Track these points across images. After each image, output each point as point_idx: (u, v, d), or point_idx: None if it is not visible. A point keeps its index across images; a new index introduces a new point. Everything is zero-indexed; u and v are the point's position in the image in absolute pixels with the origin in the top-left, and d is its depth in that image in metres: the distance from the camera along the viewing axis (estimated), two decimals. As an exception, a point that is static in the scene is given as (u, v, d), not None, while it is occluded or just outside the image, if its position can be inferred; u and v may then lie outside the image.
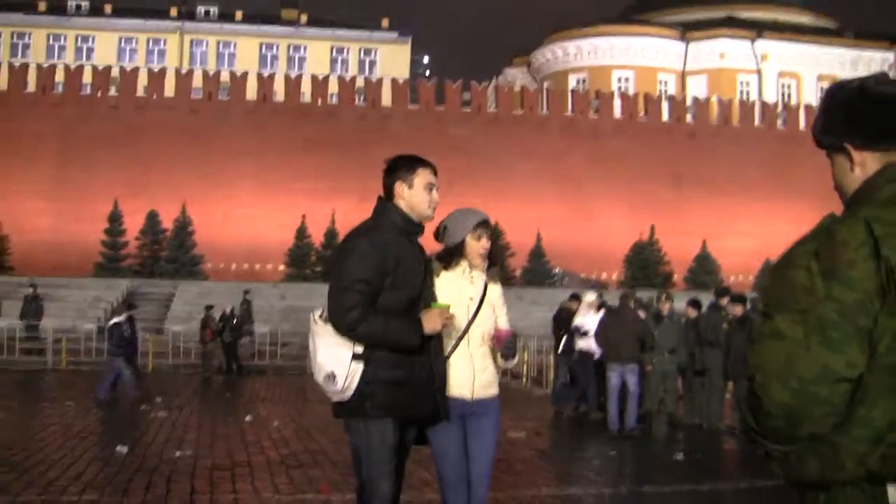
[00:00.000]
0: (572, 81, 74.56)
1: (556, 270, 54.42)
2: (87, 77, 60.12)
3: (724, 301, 16.60)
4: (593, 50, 76.23)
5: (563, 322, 18.72)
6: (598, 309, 17.27)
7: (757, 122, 65.07)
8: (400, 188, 5.13)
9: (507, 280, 50.37)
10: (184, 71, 62.58)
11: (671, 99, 66.92)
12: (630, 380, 15.20)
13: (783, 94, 74.29)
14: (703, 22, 77.08)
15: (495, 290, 5.50)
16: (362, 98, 62.04)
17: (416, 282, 5.08)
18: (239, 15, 72.31)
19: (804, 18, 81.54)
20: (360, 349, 4.87)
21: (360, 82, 63.47)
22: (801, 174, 56.04)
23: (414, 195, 5.12)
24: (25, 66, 60.57)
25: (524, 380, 25.57)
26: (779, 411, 2.25)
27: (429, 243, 5.30)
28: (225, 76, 62.06)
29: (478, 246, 5.34)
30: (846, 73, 74.44)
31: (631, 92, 68.51)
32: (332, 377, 4.87)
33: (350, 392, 4.87)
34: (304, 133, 58.66)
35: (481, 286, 5.41)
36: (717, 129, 64.42)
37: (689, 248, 55.51)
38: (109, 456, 11.84)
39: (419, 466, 9.80)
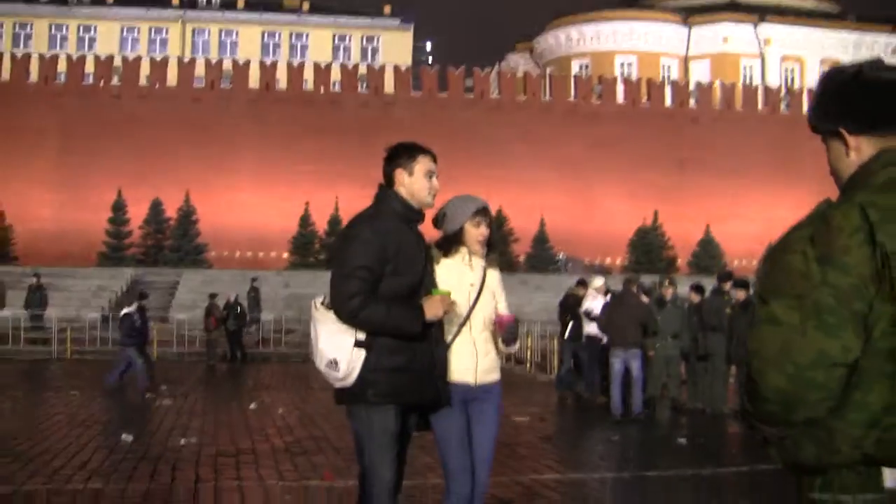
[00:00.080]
0: (575, 67, 74.42)
1: (560, 256, 54.43)
2: (89, 67, 60.07)
3: (728, 285, 16.61)
4: (596, 35, 76.09)
5: (569, 308, 18.71)
6: (607, 293, 17.28)
7: (760, 106, 64.97)
8: (400, 176, 5.15)
9: (510, 266, 50.47)
10: (186, 60, 62.51)
11: (674, 84, 66.80)
12: (633, 365, 15.21)
13: (786, 79, 74.13)
14: (706, 6, 76.90)
15: (494, 275, 5.54)
16: (365, 85, 61.98)
17: (418, 268, 5.10)
18: (241, 3, 72.11)
19: (807, 2, 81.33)
20: (362, 336, 4.89)
21: (362, 69, 63.38)
22: (804, 158, 55.87)
23: (414, 182, 5.15)
24: (27, 57, 60.52)
25: (528, 365, 25.59)
26: (775, 396, 2.27)
27: (427, 230, 5.32)
28: (227, 65, 61.98)
29: (476, 233, 5.37)
30: (849, 56, 74.23)
31: (634, 77, 68.38)
32: (333, 364, 4.89)
33: (352, 379, 4.89)
34: (306, 121, 58.62)
35: (481, 272, 5.44)
36: (720, 114, 64.29)
37: (692, 233, 55.50)
38: (114, 444, 11.88)
39: (422, 452, 9.83)
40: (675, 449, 12.64)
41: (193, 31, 70.62)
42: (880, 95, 2.46)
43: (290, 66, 62.19)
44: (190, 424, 14.05)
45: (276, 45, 70.67)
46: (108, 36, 68.87)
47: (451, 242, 5.40)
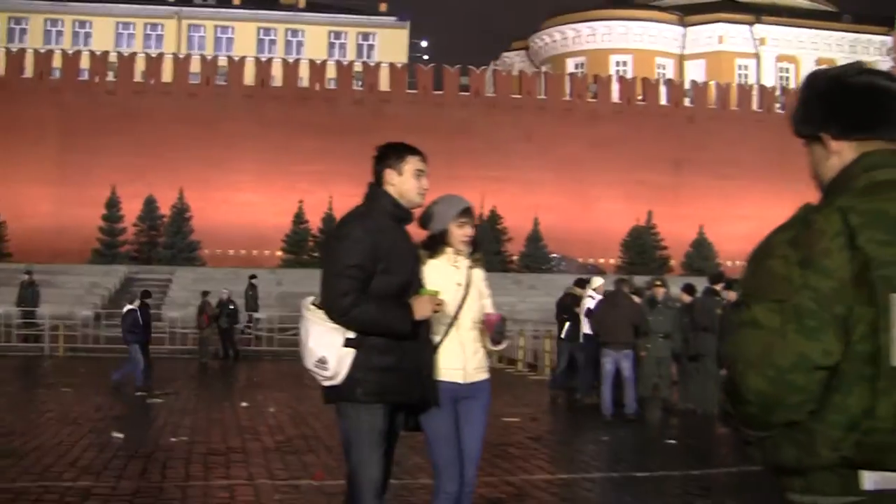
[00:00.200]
0: (570, 65, 74.51)
1: (554, 255, 54.45)
2: (84, 62, 60.05)
3: (719, 286, 16.61)
4: (592, 34, 76.17)
5: (566, 307, 18.69)
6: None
7: (755, 106, 65.06)
8: (390, 175, 5.19)
9: (504, 265, 50.50)
10: (181, 56, 62.51)
11: (669, 83, 66.87)
12: (625, 365, 15.21)
13: (781, 78, 74.24)
14: (702, 5, 77.03)
15: (480, 275, 5.59)
16: (360, 83, 61.98)
17: (408, 267, 5.13)
18: (237, -1, 72.24)
19: (803, 2, 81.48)
20: (352, 335, 4.91)
21: (358, 67, 63.37)
22: (798, 158, 54.31)
23: (404, 182, 5.18)
24: (23, 52, 60.51)
25: (519, 365, 25.58)
26: (756, 399, 2.28)
27: (412, 231, 5.34)
28: (223, 61, 61.98)
29: (461, 233, 5.43)
30: (845, 56, 74.36)
31: (629, 76, 68.44)
32: (323, 362, 4.91)
33: (341, 377, 4.91)
34: (301, 118, 58.62)
35: (467, 272, 5.48)
36: (716, 114, 64.37)
37: (686, 233, 55.57)
38: (105, 442, 11.88)
39: (412, 452, 9.85)
40: (665, 449, 12.66)
41: (189, 27, 70.57)
42: (862, 100, 2.47)
43: (285, 62, 62.21)
44: (181, 422, 14.04)
45: (272, 42, 70.63)
46: (104, 31, 68.81)
47: (436, 243, 5.44)
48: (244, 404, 16.39)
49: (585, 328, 17.33)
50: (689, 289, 17.12)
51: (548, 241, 54.10)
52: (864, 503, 2.27)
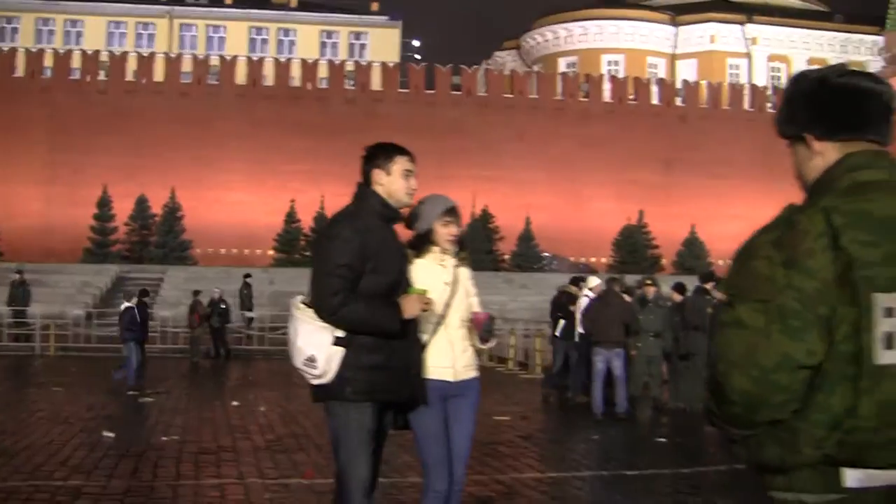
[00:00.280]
0: (562, 65, 74.57)
1: (546, 254, 54.48)
2: (75, 62, 59.98)
3: (710, 285, 16.63)
4: (583, 33, 76.25)
5: (561, 306, 18.65)
6: None
7: (746, 105, 65.16)
8: (378, 175, 5.21)
9: (496, 264, 50.51)
10: (173, 55, 62.46)
11: (661, 82, 66.95)
12: (616, 364, 15.24)
13: (773, 78, 74.32)
14: (694, 5, 77.14)
15: (466, 273, 5.62)
16: (352, 82, 61.97)
17: (396, 267, 5.16)
18: (229, -1, 72.19)
19: (794, 2, 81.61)
20: (341, 333, 4.93)
21: (350, 66, 63.37)
22: (789, 158, 55.97)
23: (392, 182, 5.21)
24: (14, 51, 60.45)
25: (510, 363, 25.58)
26: (739, 398, 2.30)
27: (398, 230, 5.38)
28: (214, 60, 61.98)
29: (446, 232, 5.47)
30: (836, 56, 74.49)
31: (621, 75, 68.50)
32: (312, 361, 4.93)
33: (330, 376, 4.93)
34: (293, 117, 58.61)
35: (454, 271, 5.51)
36: (707, 113, 64.44)
37: (678, 232, 55.62)
38: (96, 441, 11.87)
39: (402, 450, 9.87)
40: (656, 448, 12.69)
41: (181, 26, 70.50)
42: (845, 101, 2.49)
43: (277, 62, 62.20)
44: (172, 422, 14.04)
45: (264, 41, 70.58)
46: (95, 31, 68.73)
47: (422, 242, 5.48)
48: (235, 403, 16.39)
49: (580, 327, 17.32)
50: (679, 288, 17.14)
51: (539, 240, 54.13)
52: (846, 500, 2.29)
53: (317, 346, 4.94)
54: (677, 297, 16.84)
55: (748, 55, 75.90)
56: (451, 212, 5.49)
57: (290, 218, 51.87)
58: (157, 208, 51.37)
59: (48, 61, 59.80)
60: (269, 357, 28.35)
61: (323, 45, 71.10)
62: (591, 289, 17.26)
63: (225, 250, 54.97)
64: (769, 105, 65.06)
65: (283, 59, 63.13)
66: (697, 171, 61.71)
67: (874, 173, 2.42)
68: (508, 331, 26.49)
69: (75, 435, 12.48)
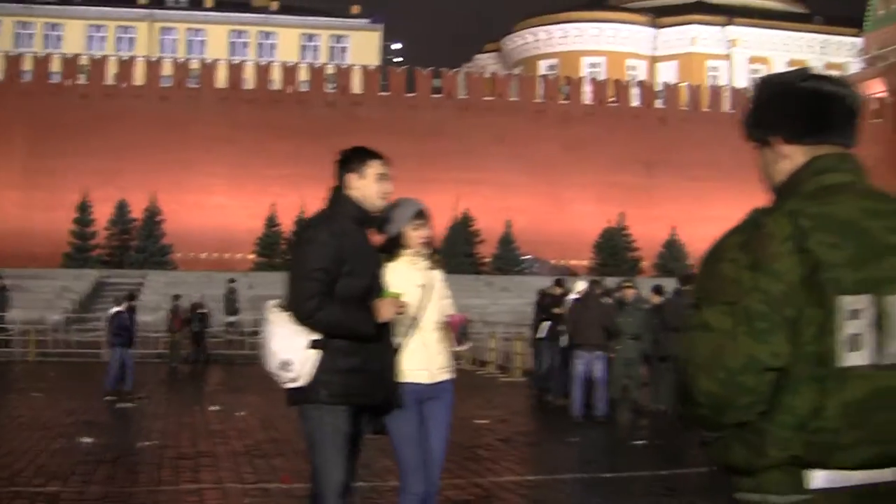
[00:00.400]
0: (543, 67, 74.63)
1: (527, 257, 54.53)
2: (55, 65, 59.81)
3: (689, 287, 16.65)
4: (564, 36, 76.33)
5: (544, 307, 18.64)
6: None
7: (727, 107, 65.29)
8: (352, 179, 5.23)
9: (476, 267, 50.52)
10: (153, 59, 62.31)
11: (641, 84, 67.11)
12: (597, 367, 15.26)
13: (753, 80, 74.37)
14: (674, 7, 77.32)
15: (438, 275, 5.64)
16: (333, 85, 61.93)
17: (371, 270, 5.18)
18: (209, 2, 71.91)
19: (774, 4, 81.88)
20: (316, 337, 4.94)
21: (330, 69, 63.34)
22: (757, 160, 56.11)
23: (366, 186, 5.23)
24: (-8, 55, 60.23)
25: (490, 367, 25.58)
26: (706, 400, 2.30)
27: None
28: (195, 64, 61.84)
29: (416, 235, 5.50)
30: (816, 57, 74.80)
31: (601, 78, 68.63)
32: (286, 364, 4.94)
33: (304, 379, 4.94)
34: (274, 120, 58.54)
35: (427, 273, 5.53)
36: (687, 115, 64.60)
37: (659, 234, 55.75)
38: (75, 447, 11.84)
39: (381, 454, 9.85)
40: (634, 450, 12.71)
41: (161, 29, 70.32)
42: (812, 105, 2.51)
43: (257, 65, 62.12)
44: (151, 427, 14.02)
45: (244, 45, 70.47)
46: (75, 34, 68.49)
47: (394, 246, 5.50)
48: (214, 408, 16.37)
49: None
50: (658, 290, 17.18)
51: (520, 242, 54.17)
52: (812, 501, 2.30)
53: (292, 350, 4.95)
54: (656, 299, 16.87)
55: (728, 57, 76.14)
56: (421, 215, 5.52)
57: (271, 222, 51.83)
58: (137, 213, 51.25)
59: (27, 65, 59.60)
60: (250, 362, 28.29)
61: (303, 48, 71.05)
62: (578, 293, 17.29)
63: (205, 254, 54.85)
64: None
65: (263, 63, 63.06)
66: (678, 172, 61.86)
67: (840, 176, 2.44)
68: (489, 334, 26.49)
69: (54, 440, 12.44)
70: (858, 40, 77.27)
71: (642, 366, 16.77)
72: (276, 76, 61.16)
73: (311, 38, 71.73)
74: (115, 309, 20.91)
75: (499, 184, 59.17)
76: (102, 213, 50.54)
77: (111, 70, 59.83)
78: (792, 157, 2.52)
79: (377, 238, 5.45)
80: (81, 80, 59.30)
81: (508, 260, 53.42)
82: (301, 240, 5.22)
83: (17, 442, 12.23)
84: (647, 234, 55.31)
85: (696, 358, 2.32)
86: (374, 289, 5.15)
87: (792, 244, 2.28)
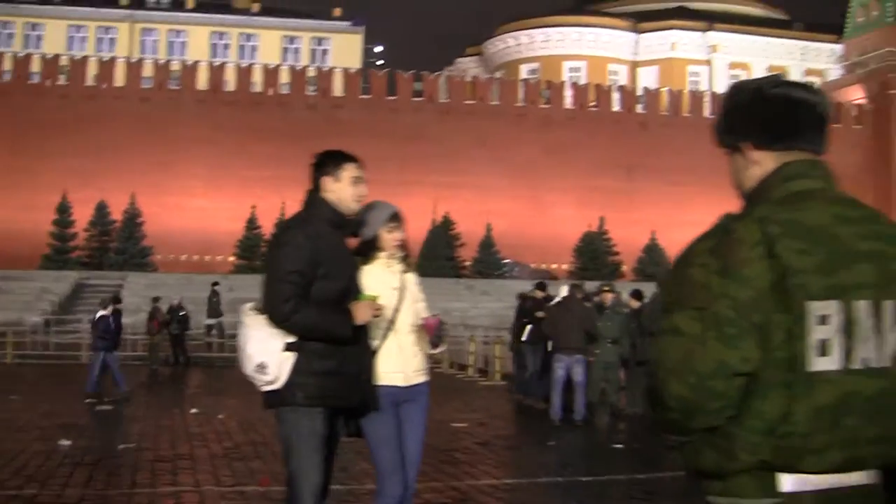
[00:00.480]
0: (524, 71, 74.71)
1: (507, 261, 54.56)
2: (35, 66, 59.60)
3: (667, 291, 16.64)
4: (545, 40, 76.40)
5: (527, 311, 18.63)
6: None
7: (707, 112, 65.50)
8: (327, 182, 5.24)
9: (457, 271, 50.52)
10: (134, 60, 62.15)
11: (622, 89, 67.26)
12: (577, 371, 15.27)
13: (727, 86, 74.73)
14: (655, 12, 77.55)
15: (413, 278, 5.66)
16: (314, 88, 61.88)
17: (347, 273, 5.19)
18: (190, 3, 71.76)
19: (755, 10, 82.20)
20: (292, 339, 4.95)
21: (311, 72, 63.28)
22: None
23: (341, 189, 5.24)
24: (-28, 55, 59.98)
25: (470, 370, 25.57)
26: (677, 405, 2.32)
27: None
28: (176, 65, 61.71)
29: (391, 238, 5.51)
30: (796, 63, 75.12)
31: (582, 82, 68.74)
32: (262, 367, 4.94)
33: (280, 382, 4.94)
34: (255, 123, 58.47)
35: (401, 276, 5.55)
36: (668, 120, 64.80)
37: (639, 239, 55.84)
38: (52, 450, 11.79)
39: (359, 457, 9.87)
40: (612, 454, 12.73)
41: (142, 30, 70.12)
42: (781, 111, 2.52)
43: (238, 67, 62.02)
44: (130, 430, 14.00)
45: (226, 47, 70.35)
46: (56, 34, 68.25)
47: (369, 248, 5.51)
48: (194, 411, 16.34)
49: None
50: (637, 294, 17.21)
51: (501, 246, 54.19)
52: (780, 506, 2.32)
53: (267, 353, 4.96)
54: (634, 304, 16.90)
55: (709, 62, 76.37)
56: (396, 217, 5.53)
57: (252, 224, 51.74)
58: (117, 214, 51.09)
59: (7, 65, 59.40)
60: (229, 364, 28.22)
61: (285, 50, 70.97)
62: (564, 298, 17.27)
63: (185, 257, 54.74)
64: (730, 112, 65.44)
65: (244, 65, 62.98)
66: (658, 177, 62.02)
67: (809, 182, 2.46)
68: (469, 337, 26.47)
69: (31, 443, 12.39)
70: (838, 47, 77.61)
71: (620, 370, 16.81)
72: (258, 78, 61.10)
73: (292, 40, 71.65)
74: (102, 312, 20.54)
75: (479, 187, 59.20)
76: (82, 215, 50.37)
77: (91, 71, 59.67)
78: (762, 163, 2.54)
79: (352, 241, 5.47)
80: (62, 80, 59.15)
81: (489, 263, 53.44)
82: (276, 242, 5.22)
83: (-7, 445, 12.19)
84: (627, 239, 55.42)
85: (667, 362, 2.33)
86: (350, 291, 5.15)
87: (761, 250, 2.30)
